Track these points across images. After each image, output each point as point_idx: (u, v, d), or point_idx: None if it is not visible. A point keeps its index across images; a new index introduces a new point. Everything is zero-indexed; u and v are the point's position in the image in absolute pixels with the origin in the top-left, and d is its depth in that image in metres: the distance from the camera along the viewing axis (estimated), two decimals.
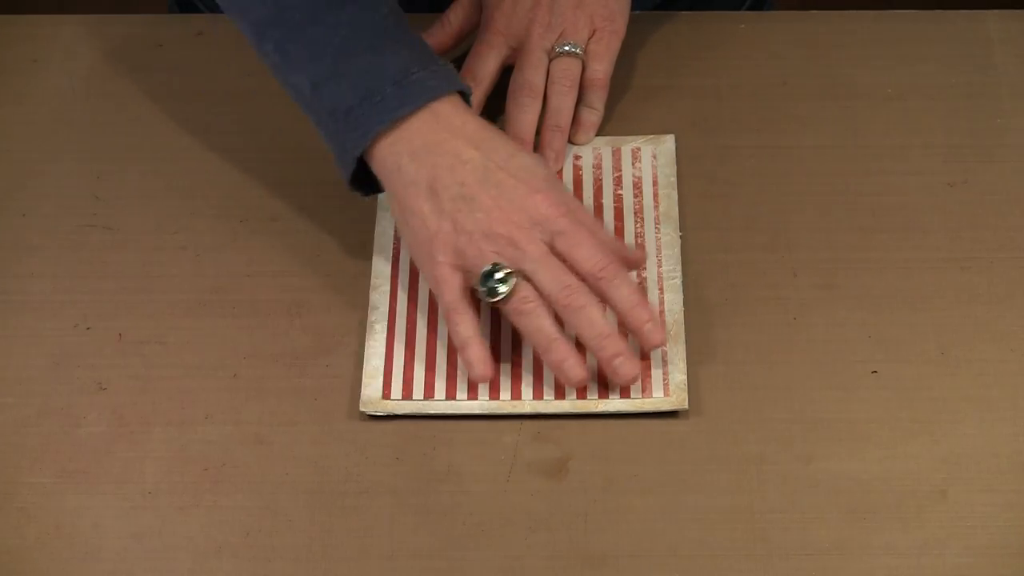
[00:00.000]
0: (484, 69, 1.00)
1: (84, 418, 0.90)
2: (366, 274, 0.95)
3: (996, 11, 1.08)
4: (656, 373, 0.90)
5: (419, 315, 0.93)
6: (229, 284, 0.95)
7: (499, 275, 0.87)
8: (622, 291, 0.88)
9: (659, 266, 0.95)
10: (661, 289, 0.94)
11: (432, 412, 0.89)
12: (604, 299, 0.88)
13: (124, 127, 1.03)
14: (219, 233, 0.98)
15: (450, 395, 0.90)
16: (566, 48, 0.99)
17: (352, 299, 0.94)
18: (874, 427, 0.89)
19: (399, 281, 0.94)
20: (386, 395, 0.90)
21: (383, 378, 0.90)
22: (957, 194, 0.99)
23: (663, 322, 0.92)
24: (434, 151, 0.88)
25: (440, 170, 0.88)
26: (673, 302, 0.93)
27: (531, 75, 0.99)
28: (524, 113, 0.99)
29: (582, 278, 0.87)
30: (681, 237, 0.97)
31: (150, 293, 0.95)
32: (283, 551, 0.85)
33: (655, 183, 0.99)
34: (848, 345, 0.92)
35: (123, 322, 0.94)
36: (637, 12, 1.08)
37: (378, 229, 0.97)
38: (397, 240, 0.96)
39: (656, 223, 0.97)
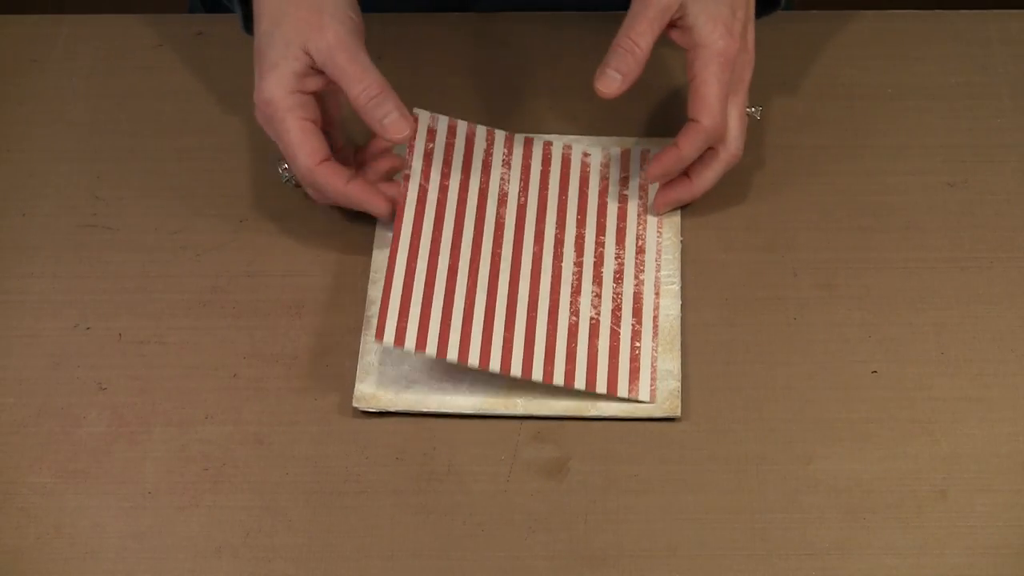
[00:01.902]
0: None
1: (84, 418, 0.90)
2: (366, 274, 0.95)
3: (996, 11, 1.08)
4: (644, 379, 0.90)
5: (417, 270, 0.91)
6: (229, 284, 0.95)
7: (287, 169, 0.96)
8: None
9: (657, 271, 0.95)
10: (657, 294, 0.94)
11: (426, 410, 0.89)
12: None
13: (124, 127, 1.03)
14: (219, 233, 0.98)
15: (442, 353, 0.88)
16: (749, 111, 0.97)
17: (352, 299, 0.94)
18: (874, 427, 0.89)
19: (400, 236, 0.92)
20: (378, 338, 0.88)
21: (377, 321, 0.88)
22: (957, 194, 0.99)
23: (656, 327, 0.92)
24: (259, 16, 0.94)
25: (256, 27, 0.94)
26: (670, 308, 0.93)
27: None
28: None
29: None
30: (681, 242, 0.97)
31: (150, 293, 0.95)
32: (283, 551, 0.85)
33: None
34: (848, 345, 0.92)
35: (123, 322, 0.94)
36: None
37: (379, 226, 0.97)
38: (402, 200, 0.95)
39: (659, 227, 0.97)
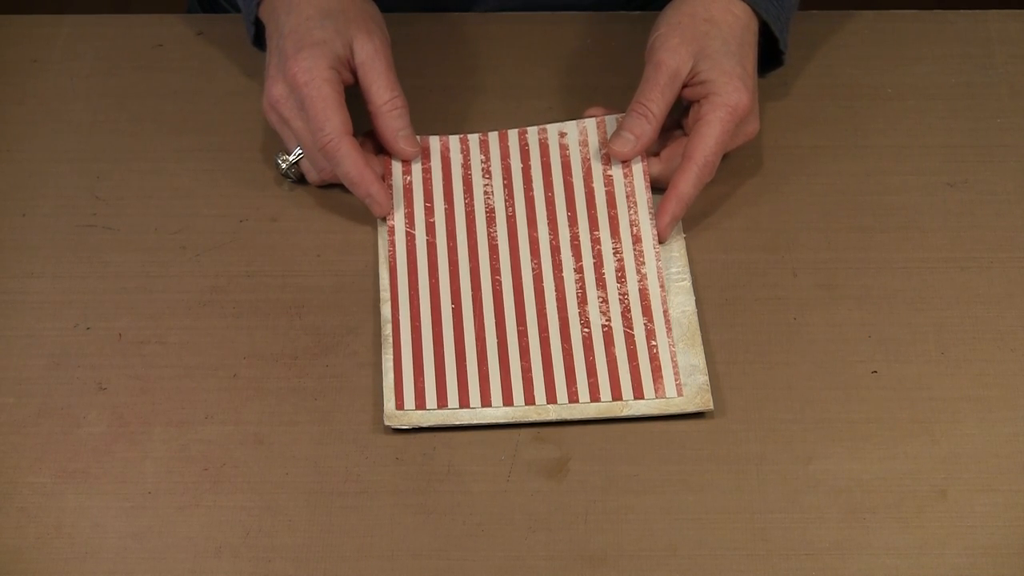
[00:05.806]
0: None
1: (84, 418, 0.90)
2: (366, 274, 0.95)
3: (996, 11, 1.08)
4: (667, 375, 0.90)
5: (423, 327, 0.92)
6: (229, 284, 0.95)
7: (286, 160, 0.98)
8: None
9: (657, 259, 0.94)
10: (662, 286, 0.93)
11: (458, 423, 0.89)
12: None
13: (124, 127, 1.03)
14: (219, 233, 0.98)
15: (463, 403, 0.89)
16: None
17: (352, 299, 0.94)
18: (874, 427, 0.89)
19: (399, 294, 0.93)
20: (399, 406, 0.89)
21: (395, 388, 0.90)
22: (957, 194, 0.99)
23: (667, 321, 0.92)
24: (287, 9, 0.96)
25: (276, 28, 0.96)
26: (685, 304, 0.93)
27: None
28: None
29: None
30: (684, 238, 0.96)
31: (150, 293, 0.95)
32: (283, 551, 0.85)
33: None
34: (848, 345, 0.92)
35: (123, 322, 0.94)
36: (639, 12, 1.08)
37: (379, 242, 0.96)
38: (392, 254, 0.95)
39: (649, 205, 0.96)
